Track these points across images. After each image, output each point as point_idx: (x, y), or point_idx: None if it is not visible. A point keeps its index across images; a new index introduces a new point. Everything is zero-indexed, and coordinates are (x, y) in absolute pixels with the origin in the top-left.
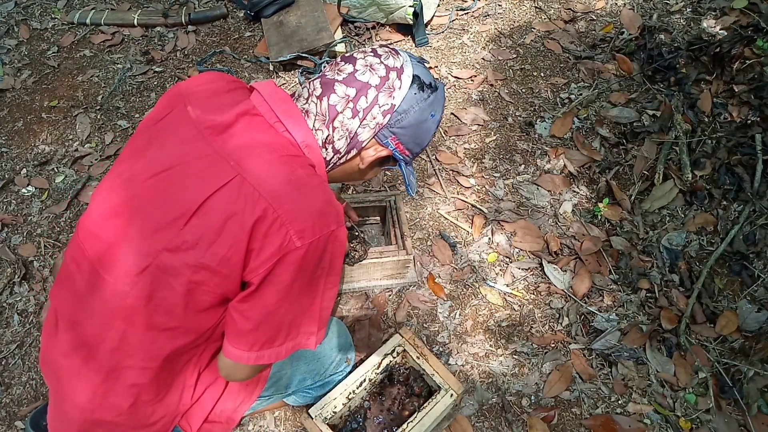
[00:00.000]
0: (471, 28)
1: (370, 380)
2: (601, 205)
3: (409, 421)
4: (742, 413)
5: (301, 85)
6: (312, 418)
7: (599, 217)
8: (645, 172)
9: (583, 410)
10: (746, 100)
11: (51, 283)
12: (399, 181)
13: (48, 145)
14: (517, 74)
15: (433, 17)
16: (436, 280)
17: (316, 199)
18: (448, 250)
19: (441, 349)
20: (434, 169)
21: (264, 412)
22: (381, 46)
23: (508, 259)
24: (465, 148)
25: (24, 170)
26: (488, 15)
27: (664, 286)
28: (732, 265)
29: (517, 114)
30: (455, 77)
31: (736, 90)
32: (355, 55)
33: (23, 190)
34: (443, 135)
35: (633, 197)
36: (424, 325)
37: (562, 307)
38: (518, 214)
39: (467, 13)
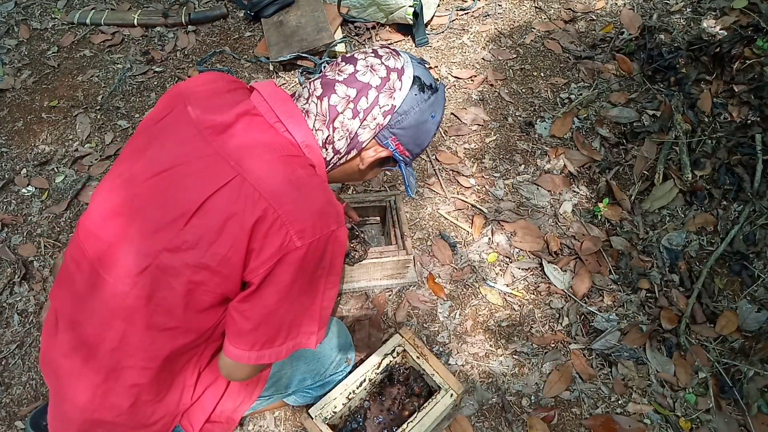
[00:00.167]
0: (471, 28)
1: (370, 380)
2: (601, 205)
3: (409, 421)
4: (742, 413)
5: (301, 85)
6: (312, 418)
7: (599, 217)
8: (645, 172)
9: (583, 410)
10: (746, 100)
11: (51, 283)
12: (399, 181)
13: (48, 145)
14: (517, 74)
15: (433, 17)
16: (436, 280)
17: (317, 199)
18: (448, 250)
19: (441, 349)
20: (434, 169)
21: (264, 412)
22: (382, 46)
23: (508, 259)
24: (465, 148)
25: (24, 170)
26: (488, 15)
27: (664, 286)
28: (732, 265)
29: (517, 114)
30: (455, 77)
31: (736, 90)
32: (355, 55)
33: (23, 190)
34: (443, 135)
35: (633, 197)
36: (424, 325)
37: (562, 307)
38: (518, 214)
39: (467, 13)
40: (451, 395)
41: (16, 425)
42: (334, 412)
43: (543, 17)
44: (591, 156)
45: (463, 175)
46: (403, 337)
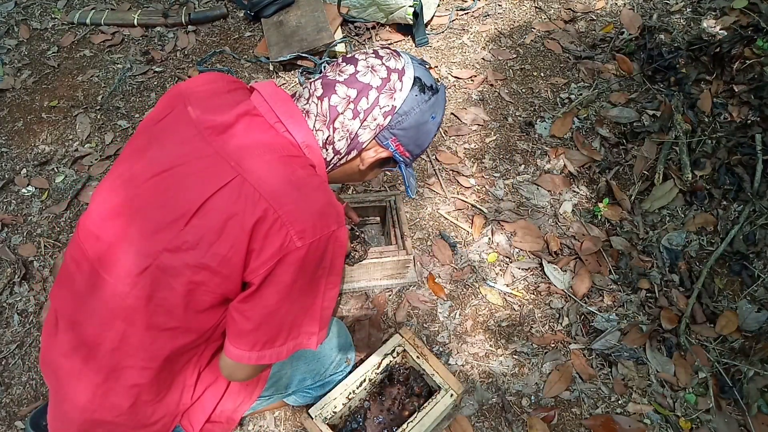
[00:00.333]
0: (471, 28)
1: (370, 380)
2: (601, 205)
3: (409, 421)
4: (742, 413)
5: (301, 85)
6: (312, 418)
7: (599, 217)
8: (645, 172)
9: (583, 410)
10: (746, 100)
11: (51, 283)
12: (399, 181)
13: (48, 145)
14: (517, 74)
15: (433, 17)
16: (436, 280)
17: (317, 199)
18: (448, 250)
19: (441, 349)
20: (434, 169)
21: (264, 412)
22: (382, 47)
23: (508, 259)
24: (465, 148)
25: (24, 170)
26: (488, 15)
27: (664, 286)
28: (732, 265)
29: (517, 114)
30: (455, 77)
31: (736, 90)
32: (356, 56)
33: (23, 190)
34: (443, 135)
35: (633, 197)
36: (424, 325)
37: (562, 307)
38: (518, 214)
39: (467, 13)
40: (451, 395)
41: (16, 425)
42: (334, 412)
43: (543, 17)
44: (591, 156)
45: (463, 175)
46: (403, 337)
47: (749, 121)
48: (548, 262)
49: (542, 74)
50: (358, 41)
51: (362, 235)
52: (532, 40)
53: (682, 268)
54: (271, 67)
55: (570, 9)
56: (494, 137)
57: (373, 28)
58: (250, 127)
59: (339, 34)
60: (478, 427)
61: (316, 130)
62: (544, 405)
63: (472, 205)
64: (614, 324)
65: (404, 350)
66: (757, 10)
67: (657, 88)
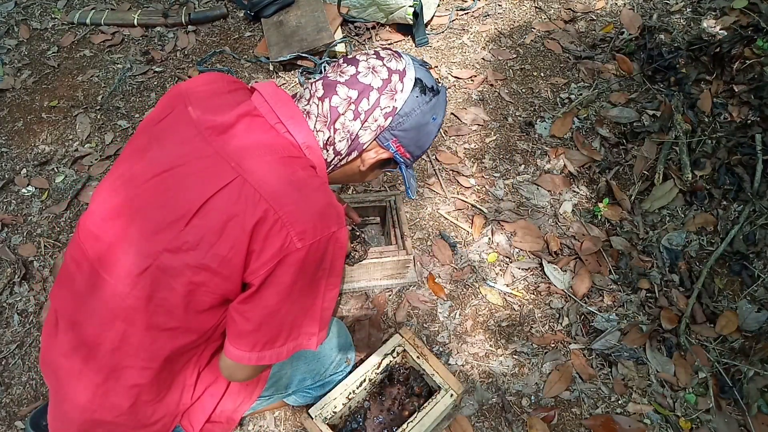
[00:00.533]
0: (471, 28)
1: (370, 380)
2: (601, 205)
3: (409, 421)
4: (742, 413)
5: (302, 85)
6: (312, 418)
7: (599, 217)
8: (645, 172)
9: (583, 410)
10: (746, 100)
11: (51, 283)
12: (399, 181)
13: (48, 145)
14: (517, 74)
15: (433, 17)
16: (436, 280)
17: (317, 200)
18: (448, 250)
19: (441, 349)
20: (434, 169)
21: (264, 412)
22: (383, 48)
23: (508, 259)
24: (465, 148)
25: (24, 170)
26: (488, 15)
27: (664, 286)
28: (732, 265)
29: (517, 114)
30: (455, 77)
31: (736, 90)
32: (357, 57)
33: (23, 190)
34: (443, 135)
35: (633, 197)
36: (424, 325)
37: (562, 307)
38: (518, 214)
39: (467, 13)
40: (451, 395)
41: (16, 425)
42: (334, 412)
43: (543, 17)
44: (591, 156)
45: (463, 175)
46: (403, 337)
47: (749, 121)
48: (548, 262)
49: (542, 74)
50: (358, 41)
51: (362, 235)
52: (532, 40)
53: (682, 268)
54: (271, 67)
55: (570, 9)
56: (494, 137)
57: (373, 28)
58: (251, 128)
59: (339, 34)
60: (478, 427)
61: (317, 131)
62: (544, 405)
63: (472, 205)
64: (614, 324)
65: (404, 350)
66: (757, 10)
67: (657, 88)
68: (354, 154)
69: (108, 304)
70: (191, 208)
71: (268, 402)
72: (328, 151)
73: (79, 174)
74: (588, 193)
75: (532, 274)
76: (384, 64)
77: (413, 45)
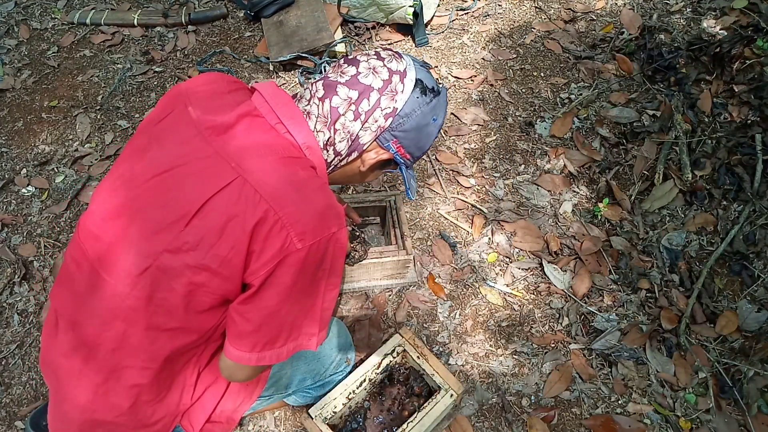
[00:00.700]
0: (471, 28)
1: (370, 380)
2: (601, 205)
3: (409, 421)
4: (742, 413)
5: (302, 86)
6: (312, 418)
7: (599, 217)
8: (645, 172)
9: (583, 410)
10: (746, 100)
11: (51, 283)
12: (399, 181)
13: (48, 145)
14: (517, 74)
15: (433, 17)
16: (436, 280)
17: (317, 201)
18: (448, 250)
19: (441, 349)
20: (434, 169)
21: (264, 412)
22: (384, 48)
23: (508, 259)
24: (465, 148)
25: (24, 170)
26: (488, 15)
27: (664, 286)
28: (732, 265)
29: (517, 114)
30: (455, 77)
31: (736, 90)
32: (358, 57)
33: (23, 190)
34: (443, 135)
35: (633, 197)
36: (424, 325)
37: (562, 307)
38: (518, 214)
39: (467, 13)
40: (451, 395)
41: (16, 425)
42: (334, 412)
43: (543, 17)
44: (591, 156)
45: (463, 175)
46: (403, 337)
47: (749, 121)
48: (548, 262)
49: (542, 74)
50: (358, 41)
51: (362, 235)
52: (532, 40)
53: (682, 268)
54: (271, 67)
55: (570, 9)
56: (494, 137)
57: (373, 28)
58: (251, 128)
59: (339, 34)
60: (478, 427)
61: (317, 132)
62: (544, 405)
63: (472, 205)
64: (614, 324)
65: (404, 350)
66: (757, 10)
67: (657, 88)
68: (354, 155)
69: (108, 305)
70: (191, 208)
71: (268, 402)
72: (328, 151)
73: (79, 174)
74: (588, 193)
75: (532, 274)
76: (385, 65)
77: (413, 45)
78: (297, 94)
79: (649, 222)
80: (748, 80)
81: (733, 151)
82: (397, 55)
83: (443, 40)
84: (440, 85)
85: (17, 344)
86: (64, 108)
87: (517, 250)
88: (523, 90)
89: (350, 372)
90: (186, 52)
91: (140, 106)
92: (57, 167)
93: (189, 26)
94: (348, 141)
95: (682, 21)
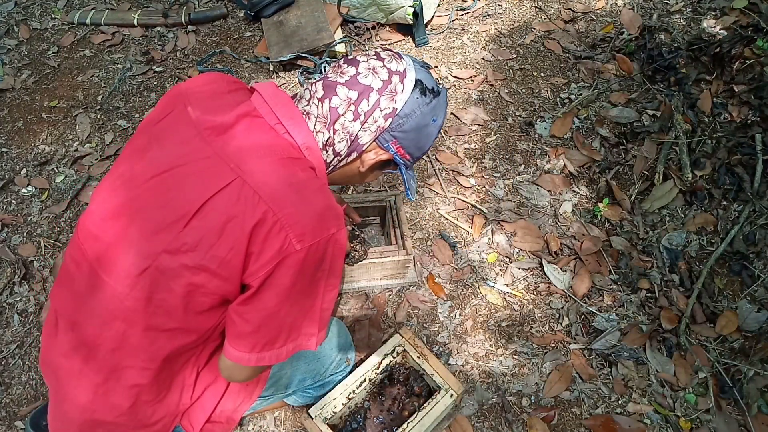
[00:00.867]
0: (471, 28)
1: (370, 380)
2: (601, 205)
3: (409, 421)
4: (742, 413)
5: (302, 86)
6: (312, 418)
7: (599, 217)
8: (645, 172)
9: (583, 410)
10: (746, 100)
11: (51, 283)
12: (399, 182)
13: (48, 145)
14: (517, 74)
15: (433, 17)
16: (436, 280)
17: (316, 202)
18: (448, 250)
19: (441, 349)
20: (434, 169)
21: (264, 412)
22: (384, 49)
23: (508, 259)
24: (465, 148)
25: (24, 170)
26: (488, 15)
27: (664, 286)
28: (732, 265)
29: (517, 114)
30: (455, 77)
31: (736, 90)
32: (358, 57)
33: (23, 190)
34: (443, 135)
35: (633, 197)
36: (424, 325)
37: (562, 307)
38: (518, 214)
39: (467, 13)
40: (451, 395)
41: (16, 425)
42: (334, 412)
43: (543, 17)
44: (591, 156)
45: (463, 175)
46: (403, 337)
47: (749, 121)
48: (548, 262)
49: (542, 74)
50: (358, 41)
51: (362, 235)
52: (532, 40)
53: (682, 268)
54: (271, 67)
55: (570, 9)
56: (494, 137)
57: (373, 28)
58: (251, 129)
59: (339, 34)
60: (478, 427)
61: (317, 132)
62: (544, 405)
63: (472, 205)
64: (614, 324)
65: (404, 350)
66: (757, 10)
67: (657, 88)
68: (353, 155)
69: (107, 305)
70: (191, 208)
71: (268, 402)
72: (327, 152)
73: (79, 174)
74: (588, 193)
75: (532, 274)
76: (384, 65)
77: (413, 45)
78: (296, 94)
79: (649, 222)
80: (748, 80)
81: (733, 151)
82: (396, 56)
83: (443, 40)
84: (440, 86)
85: (17, 344)
86: (64, 108)
87: (517, 250)
88: (523, 90)
89: (350, 372)
90: (186, 52)
91: (140, 106)
92: (57, 167)
93: (189, 26)
94: (347, 141)
95: (682, 21)
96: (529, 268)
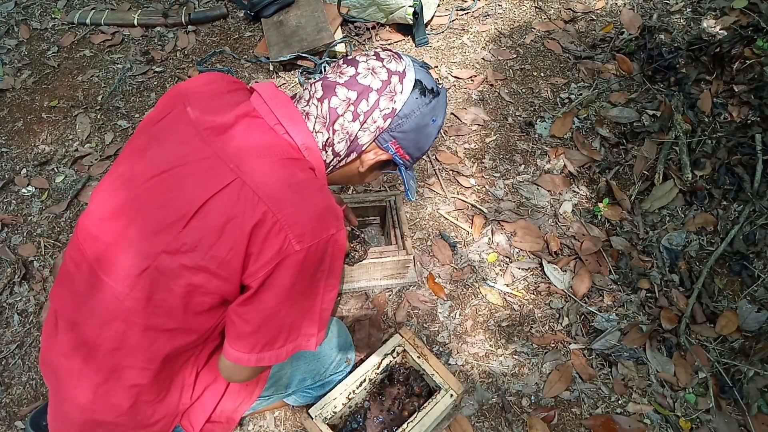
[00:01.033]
0: (471, 28)
1: (370, 380)
2: (601, 205)
3: (409, 421)
4: (742, 413)
5: (301, 86)
6: (312, 418)
7: (599, 217)
8: (645, 172)
9: (583, 410)
10: (746, 100)
11: (51, 283)
12: (399, 182)
13: (48, 145)
14: (517, 74)
15: (433, 17)
16: (436, 280)
17: (316, 203)
18: (448, 250)
19: (441, 349)
20: (434, 169)
21: (264, 412)
22: (384, 49)
23: (508, 259)
24: (465, 148)
25: (24, 170)
26: (488, 15)
27: (664, 286)
28: (732, 265)
29: (517, 114)
30: (455, 77)
31: (736, 90)
32: (357, 58)
33: (23, 190)
34: (443, 135)
35: (633, 197)
36: (424, 325)
37: (562, 307)
38: (518, 214)
39: (467, 13)
40: (451, 395)
41: (16, 425)
42: (334, 412)
43: (543, 17)
44: (591, 156)
45: (463, 175)
46: (403, 337)
47: (749, 121)
48: (548, 262)
49: (542, 74)
50: (358, 41)
51: (362, 235)
52: (532, 40)
53: (682, 268)
54: (271, 67)
55: (570, 9)
56: (494, 137)
57: (373, 28)
58: (250, 129)
59: (339, 34)
60: (478, 427)
61: (316, 132)
62: (544, 405)
63: (472, 205)
64: (614, 324)
65: (404, 350)
66: (757, 10)
67: (657, 88)
68: (353, 156)
69: (107, 305)
70: (190, 209)
71: (268, 402)
72: (327, 152)
73: (79, 174)
74: (588, 193)
75: (532, 274)
76: (384, 66)
77: (413, 45)
78: (296, 94)
79: (649, 222)
80: (748, 80)
81: (733, 151)
82: (396, 56)
83: (443, 40)
84: (440, 86)
85: (17, 344)
86: (64, 108)
87: (517, 250)
88: (523, 90)
89: (350, 372)
90: (186, 52)
91: (140, 106)
92: (57, 167)
93: (189, 26)
94: (347, 142)
95: (682, 21)
96: (529, 268)
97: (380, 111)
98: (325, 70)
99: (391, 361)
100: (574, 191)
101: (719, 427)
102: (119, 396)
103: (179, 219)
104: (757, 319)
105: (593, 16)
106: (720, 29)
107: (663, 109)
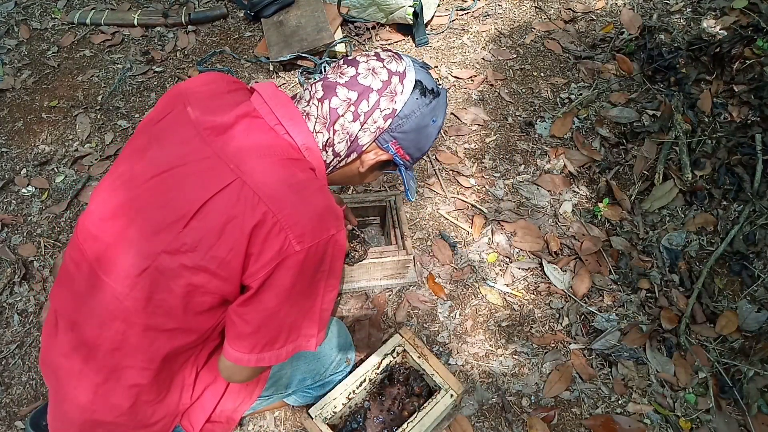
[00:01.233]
0: (471, 28)
1: (370, 380)
2: (601, 205)
3: (409, 421)
4: (742, 413)
5: (302, 86)
6: (312, 418)
7: (599, 217)
8: (645, 172)
9: (583, 410)
10: (746, 100)
11: (51, 283)
12: (399, 181)
13: (48, 145)
14: (517, 74)
15: (433, 17)
16: (436, 280)
17: (316, 203)
18: (448, 250)
19: (441, 349)
20: (434, 169)
21: (264, 412)
22: (384, 49)
23: (508, 259)
24: (465, 148)
25: (24, 170)
26: (488, 15)
27: (664, 286)
28: (732, 265)
29: (517, 114)
30: (455, 77)
31: (736, 90)
32: (357, 58)
33: (23, 190)
34: (443, 135)
35: (633, 197)
36: (424, 325)
37: (562, 307)
38: (518, 214)
39: (467, 13)
40: (451, 395)
41: (16, 425)
42: (334, 412)
43: (543, 17)
44: (591, 156)
45: (463, 175)
46: (403, 337)
47: (749, 121)
48: (548, 262)
49: (542, 74)
50: (358, 41)
51: (362, 235)
52: (532, 40)
53: (682, 268)
54: (271, 67)
55: (570, 9)
56: (494, 137)
57: (373, 28)
58: (250, 129)
59: (339, 34)
60: (478, 427)
61: (316, 132)
62: (544, 405)
63: (472, 205)
64: (614, 324)
65: (404, 350)
66: (757, 10)
67: (657, 88)
68: (353, 156)
69: (107, 305)
70: (190, 209)
71: (268, 402)
72: (327, 152)
73: (79, 174)
74: (588, 193)
75: (532, 274)
76: (384, 66)
77: (413, 45)
78: (296, 94)
79: (649, 222)
80: (748, 80)
81: (733, 151)
82: (396, 56)
83: (443, 40)
84: (440, 86)
85: (17, 344)
86: (64, 108)
87: (517, 250)
88: (523, 90)
89: (350, 372)
90: (186, 52)
91: (140, 106)
92: (57, 167)
93: (189, 26)
94: (347, 142)
95: (682, 21)
96: (529, 268)
97: (381, 111)
98: (325, 71)
99: (391, 361)
100: (574, 191)
101: (719, 427)
102: (119, 396)
103: (179, 219)
104: (757, 319)
105: (593, 16)
106: (720, 29)
107: (663, 109)
